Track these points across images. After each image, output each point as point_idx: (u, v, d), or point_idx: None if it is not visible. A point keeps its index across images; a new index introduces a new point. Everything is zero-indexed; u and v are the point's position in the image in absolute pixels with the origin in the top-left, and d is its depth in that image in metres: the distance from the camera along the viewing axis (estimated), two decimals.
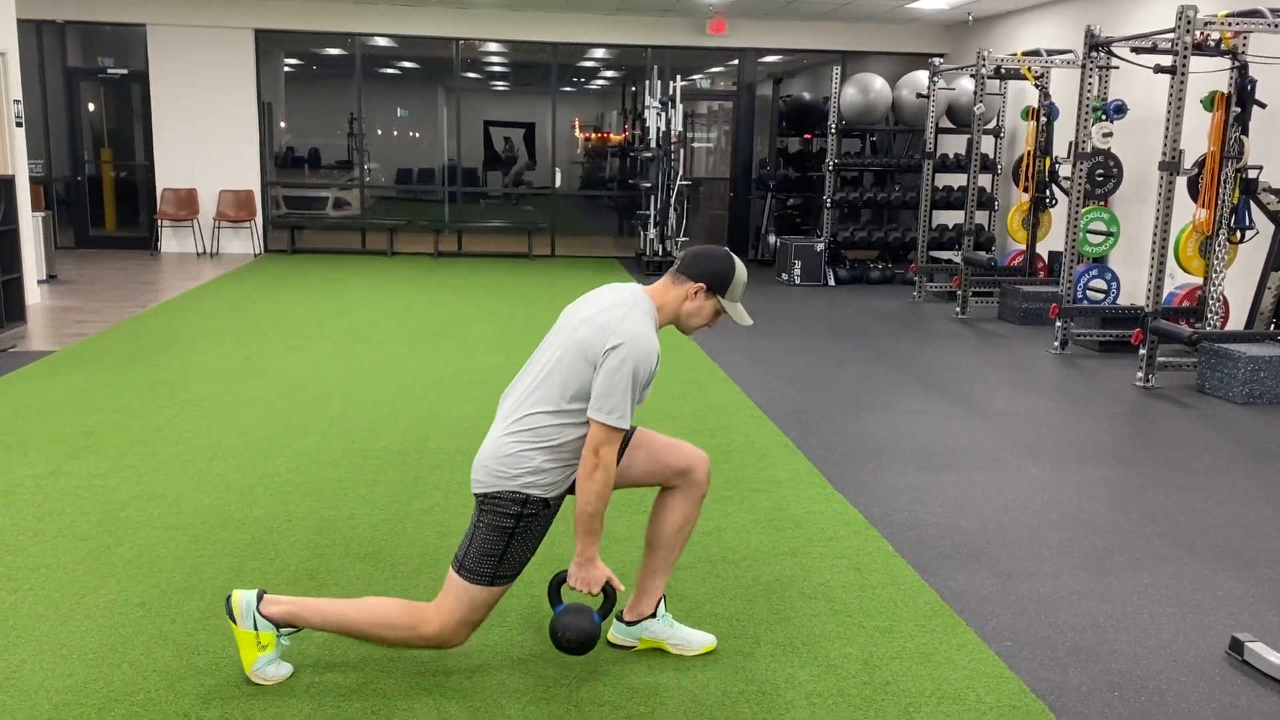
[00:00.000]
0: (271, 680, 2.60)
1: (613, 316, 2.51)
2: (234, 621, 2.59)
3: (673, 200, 10.85)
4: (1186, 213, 6.69)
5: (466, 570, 2.54)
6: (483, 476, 2.56)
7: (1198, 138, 6.59)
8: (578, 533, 2.49)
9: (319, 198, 13.66)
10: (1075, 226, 7.34)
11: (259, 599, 2.59)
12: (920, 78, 10.67)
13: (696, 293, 2.60)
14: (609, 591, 2.57)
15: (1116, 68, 7.59)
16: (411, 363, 6.39)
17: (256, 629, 2.57)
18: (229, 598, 2.61)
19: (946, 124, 10.84)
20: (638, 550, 3.05)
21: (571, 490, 2.58)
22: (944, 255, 10.77)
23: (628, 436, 2.69)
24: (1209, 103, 6.31)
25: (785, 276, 10.82)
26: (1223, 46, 6.24)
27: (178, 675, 2.63)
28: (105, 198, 12.33)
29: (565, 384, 2.50)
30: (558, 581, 2.62)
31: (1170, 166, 6.20)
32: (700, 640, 2.82)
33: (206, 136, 11.77)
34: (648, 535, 2.78)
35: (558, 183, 13.51)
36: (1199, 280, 6.76)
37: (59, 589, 3.11)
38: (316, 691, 2.57)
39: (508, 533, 2.52)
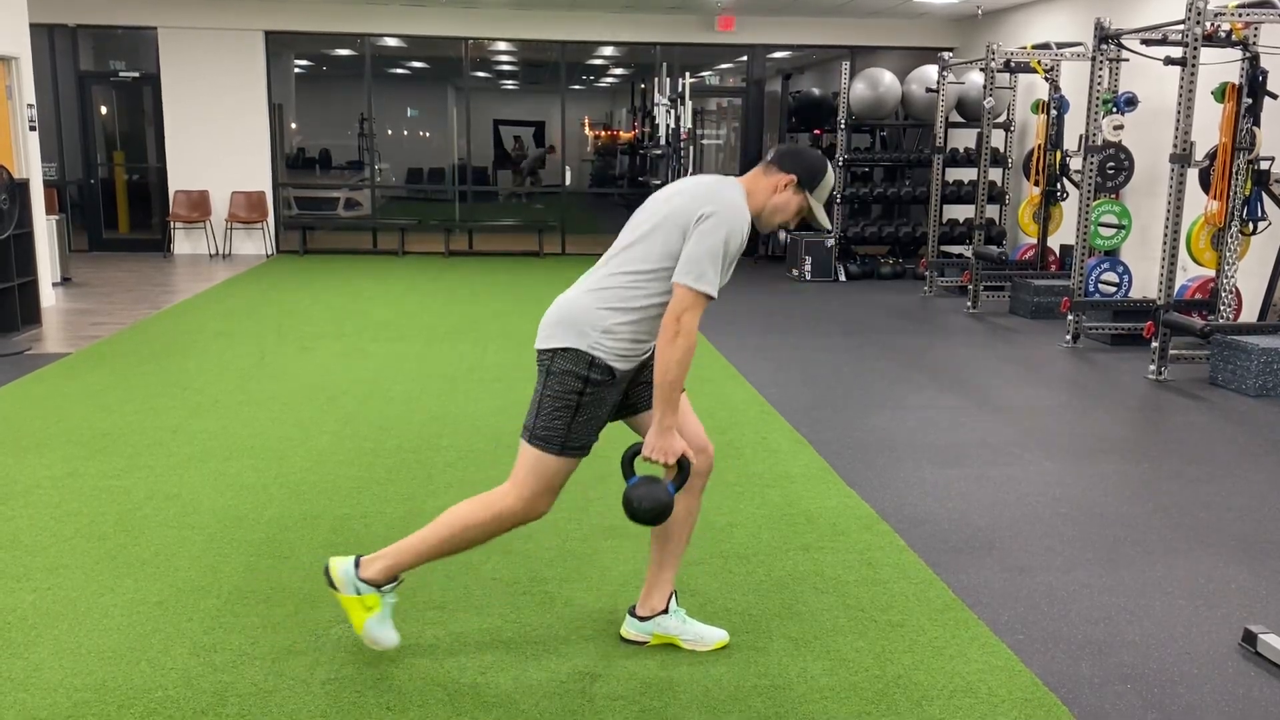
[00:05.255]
0: (383, 645, 2.68)
1: (707, 188, 2.56)
2: (335, 589, 2.67)
3: None
4: (1198, 205, 6.67)
5: (537, 439, 2.55)
6: (554, 331, 2.58)
7: (1209, 129, 6.57)
8: (657, 401, 2.49)
9: (330, 198, 13.71)
10: (1086, 220, 7.32)
11: (356, 565, 2.66)
12: (929, 72, 10.65)
13: (787, 185, 2.63)
14: (683, 463, 2.56)
15: (1127, 60, 7.58)
16: (424, 361, 6.41)
17: (359, 593, 2.64)
18: (326, 568, 2.69)
19: (956, 118, 10.82)
20: (645, 546, 3.05)
21: (640, 366, 2.62)
22: (955, 250, 10.75)
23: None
24: (1220, 94, 6.29)
25: (796, 272, 10.81)
26: (1233, 38, 6.22)
27: (195, 673, 2.65)
28: (118, 200, 12.40)
29: (651, 249, 2.54)
30: (631, 454, 2.60)
31: (1181, 159, 6.17)
32: (713, 636, 2.83)
33: (218, 138, 11.82)
34: (653, 530, 2.79)
35: (568, 181, 13.53)
36: (1211, 272, 6.74)
37: (77, 588, 3.14)
38: (333, 687, 2.59)
39: (573, 403, 2.53)
